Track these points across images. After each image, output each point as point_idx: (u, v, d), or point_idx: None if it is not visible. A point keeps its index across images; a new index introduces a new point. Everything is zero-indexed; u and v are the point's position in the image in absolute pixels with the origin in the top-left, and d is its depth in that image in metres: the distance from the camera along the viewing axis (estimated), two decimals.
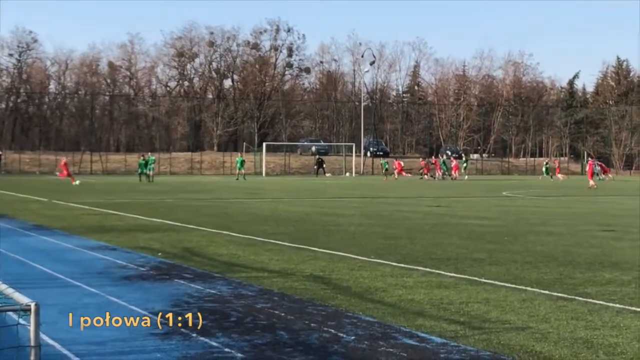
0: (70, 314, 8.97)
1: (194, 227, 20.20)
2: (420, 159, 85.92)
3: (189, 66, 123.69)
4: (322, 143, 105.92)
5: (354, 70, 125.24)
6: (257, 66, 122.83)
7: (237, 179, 68.07)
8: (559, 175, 74.53)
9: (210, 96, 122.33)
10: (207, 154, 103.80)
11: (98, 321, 8.60)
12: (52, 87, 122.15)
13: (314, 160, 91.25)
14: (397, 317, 8.85)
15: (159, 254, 14.61)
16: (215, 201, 33.32)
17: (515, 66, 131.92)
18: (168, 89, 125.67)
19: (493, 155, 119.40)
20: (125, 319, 8.71)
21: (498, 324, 8.49)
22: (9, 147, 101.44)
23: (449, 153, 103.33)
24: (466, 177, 75.62)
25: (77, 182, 51.85)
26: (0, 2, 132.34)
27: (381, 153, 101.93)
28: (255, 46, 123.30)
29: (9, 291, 5.10)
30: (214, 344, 7.63)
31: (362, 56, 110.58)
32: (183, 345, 7.56)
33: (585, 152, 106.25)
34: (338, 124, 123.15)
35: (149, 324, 8.48)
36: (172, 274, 12.12)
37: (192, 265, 13.06)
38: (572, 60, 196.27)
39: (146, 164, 61.23)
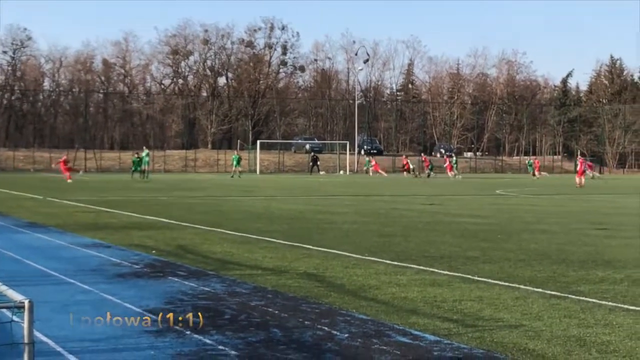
0: (64, 311, 8.98)
1: (188, 224, 20.20)
2: (403, 156, 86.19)
3: (183, 64, 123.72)
4: (316, 141, 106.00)
5: (348, 68, 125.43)
6: (251, 64, 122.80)
7: (232, 177, 68.04)
8: (537, 173, 74.78)
9: (204, 94, 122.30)
10: (201, 151, 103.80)
11: (92, 318, 8.60)
12: (47, 84, 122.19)
13: (308, 158, 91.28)
14: (390, 314, 8.87)
15: (153, 251, 14.61)
16: (209, 199, 33.31)
17: (509, 65, 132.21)
18: (162, 86, 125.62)
19: (487, 153, 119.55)
20: (119, 316, 8.71)
21: (491, 322, 8.51)
22: (3, 144, 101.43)
23: (443, 151, 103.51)
24: (458, 176, 75.69)
25: (70, 181, 51.81)
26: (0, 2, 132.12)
27: (375, 151, 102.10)
28: (250, 44, 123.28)
29: (3, 288, 5.10)
30: (208, 341, 7.64)
31: (356, 54, 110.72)
32: (177, 343, 7.57)
33: (579, 151, 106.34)
34: (332, 122, 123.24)
35: (144, 323, 8.48)
36: (166, 272, 12.12)
37: (186, 263, 13.07)
38: (565, 59, 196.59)
39: (140, 161, 61.11)
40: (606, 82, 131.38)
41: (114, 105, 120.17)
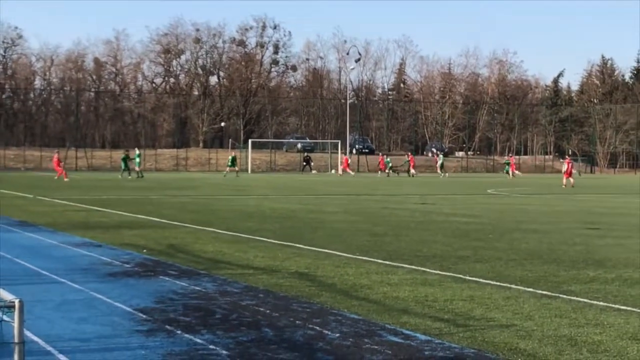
0: (55, 311, 8.96)
1: (179, 223, 20.17)
2: (380, 154, 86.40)
3: (174, 63, 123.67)
4: (308, 140, 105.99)
5: (340, 68, 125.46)
6: (243, 63, 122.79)
7: (225, 176, 67.90)
8: (512, 172, 75.04)
9: (196, 93, 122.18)
10: (192, 150, 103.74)
11: (82, 318, 8.58)
12: (38, 83, 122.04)
13: (300, 157, 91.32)
14: (382, 314, 8.87)
15: (144, 250, 14.58)
16: (200, 198, 33.28)
17: (500, 64, 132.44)
18: (154, 85, 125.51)
19: (478, 153, 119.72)
20: (110, 315, 8.70)
21: (482, 322, 8.51)
22: None
23: (434, 150, 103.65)
24: (445, 175, 75.84)
25: (63, 179, 51.75)
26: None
27: (367, 150, 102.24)
28: (241, 43, 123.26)
29: None
30: (199, 340, 7.62)
31: (348, 53, 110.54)
32: (167, 342, 7.55)
33: (570, 151, 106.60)
34: (324, 121, 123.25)
35: (133, 321, 8.47)
36: (157, 271, 12.10)
37: (177, 262, 13.05)
38: (556, 59, 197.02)
39: (126, 159, 60.89)
40: (597, 82, 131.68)
41: (105, 104, 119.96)
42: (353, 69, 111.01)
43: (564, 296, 10.01)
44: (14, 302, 4.82)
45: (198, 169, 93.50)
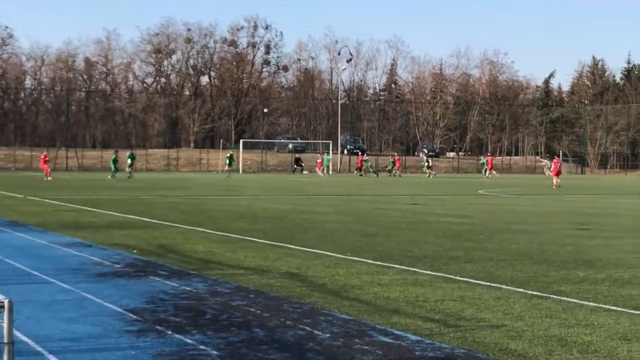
0: (44, 311, 8.93)
1: (170, 224, 20.14)
2: (359, 154, 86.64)
3: (165, 62, 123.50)
4: (299, 140, 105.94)
5: (331, 68, 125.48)
6: (234, 63, 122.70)
7: (229, 176, 68.43)
8: (488, 172, 75.22)
9: (187, 93, 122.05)
10: (183, 150, 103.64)
11: (72, 318, 8.56)
12: (28, 82, 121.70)
13: (291, 158, 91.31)
14: (372, 314, 8.87)
15: (135, 250, 14.55)
16: (191, 198, 33.24)
17: (491, 65, 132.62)
18: (145, 85, 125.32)
19: (469, 153, 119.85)
20: (100, 316, 8.68)
21: (473, 322, 8.51)
22: None
23: (425, 151, 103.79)
24: (429, 175, 76.07)
25: (49, 178, 51.72)
26: None
27: (358, 151, 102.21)
28: (233, 43, 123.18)
29: None
30: (189, 341, 7.61)
31: (339, 54, 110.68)
32: (158, 343, 7.53)
33: (561, 151, 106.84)
34: (315, 122, 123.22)
35: (123, 321, 8.45)
36: (148, 271, 12.08)
37: (167, 262, 13.03)
38: (547, 60, 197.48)
39: (116, 160, 60.84)
40: (588, 82, 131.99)
41: (96, 103, 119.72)
42: (344, 69, 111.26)
43: (555, 296, 10.03)
44: (3, 302, 4.81)
45: (189, 169, 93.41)
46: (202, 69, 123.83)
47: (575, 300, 9.77)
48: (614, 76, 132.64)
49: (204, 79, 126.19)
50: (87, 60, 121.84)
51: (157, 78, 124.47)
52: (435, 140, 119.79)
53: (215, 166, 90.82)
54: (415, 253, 14.41)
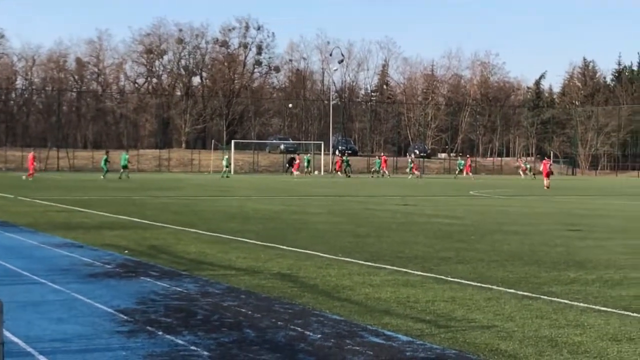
0: (35, 311, 8.91)
1: (161, 224, 20.12)
2: (337, 155, 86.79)
3: (157, 63, 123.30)
4: (291, 141, 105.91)
5: (323, 69, 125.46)
6: (225, 64, 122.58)
7: (227, 177, 68.98)
8: (464, 173, 75.32)
9: (178, 93, 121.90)
10: (175, 151, 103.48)
11: (63, 318, 8.55)
12: (19, 83, 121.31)
13: (283, 158, 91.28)
14: (363, 315, 8.87)
15: (126, 251, 14.53)
16: (183, 199, 33.21)
17: (482, 66, 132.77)
18: (136, 85, 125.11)
19: (461, 154, 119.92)
20: (91, 316, 8.67)
21: (464, 323, 8.53)
22: None
23: (417, 152, 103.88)
24: (409, 176, 76.29)
25: (29, 178, 51.68)
26: None
27: (350, 151, 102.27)
28: (224, 44, 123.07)
29: None
30: (180, 342, 7.60)
31: (331, 55, 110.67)
32: (149, 343, 7.52)
33: (552, 152, 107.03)
34: (307, 122, 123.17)
35: (114, 322, 8.44)
36: (139, 272, 12.06)
37: (158, 263, 13.01)
38: (538, 61, 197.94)
39: (106, 161, 60.80)
40: (579, 84, 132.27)
41: (87, 104, 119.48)
42: (336, 70, 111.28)
43: (545, 297, 10.05)
44: None
45: (180, 169, 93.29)
46: (194, 70, 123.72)
47: (566, 301, 9.80)
48: (604, 77, 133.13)
49: (196, 80, 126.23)
50: (78, 61, 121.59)
51: (149, 78, 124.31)
52: (426, 141, 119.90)
53: (207, 167, 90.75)
54: (406, 254, 14.42)
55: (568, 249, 15.60)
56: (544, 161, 56.58)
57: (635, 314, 9.06)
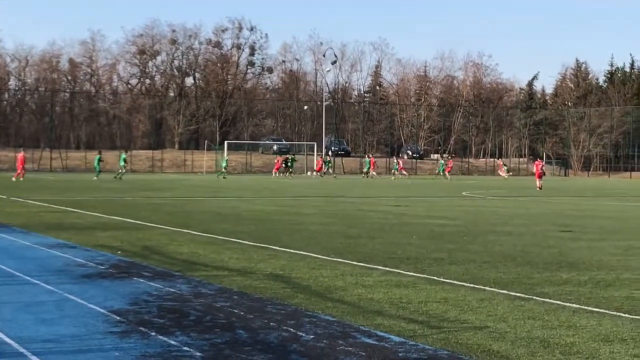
0: (28, 312, 8.91)
1: (155, 225, 20.11)
2: (319, 156, 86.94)
3: (150, 64, 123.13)
4: (284, 142, 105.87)
5: (316, 70, 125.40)
6: (219, 64, 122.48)
7: (225, 177, 69.09)
8: (446, 174, 75.37)
9: (171, 94, 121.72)
10: (168, 152, 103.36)
11: (56, 319, 8.54)
12: (12, 83, 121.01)
13: (282, 160, 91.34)
14: (356, 316, 8.88)
15: (119, 252, 14.52)
16: (176, 199, 33.18)
17: (475, 67, 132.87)
18: (129, 86, 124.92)
19: (453, 155, 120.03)
20: (84, 317, 8.66)
21: (456, 323, 8.54)
22: None
23: (410, 153, 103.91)
24: (392, 177, 76.41)
25: (14, 179, 51.59)
26: None
27: (342, 152, 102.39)
28: (218, 44, 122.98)
29: None
30: (173, 342, 7.61)
31: (324, 55, 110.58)
32: (142, 344, 7.53)
33: (545, 153, 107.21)
34: (300, 123, 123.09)
35: (107, 323, 8.44)
36: (132, 272, 12.06)
37: (151, 264, 13.01)
38: (531, 62, 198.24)
39: (99, 160, 60.74)
40: (571, 85, 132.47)
41: (80, 104, 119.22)
42: (329, 71, 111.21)
43: (537, 298, 10.07)
44: None
45: (174, 170, 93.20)
46: (187, 70, 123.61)
47: (558, 302, 9.82)
48: (597, 79, 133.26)
49: (189, 80, 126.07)
50: (71, 61, 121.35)
51: (142, 79, 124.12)
52: (419, 142, 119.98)
53: (200, 167, 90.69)
54: (399, 255, 14.43)
55: (560, 250, 15.63)
56: (536, 162, 56.61)
57: (627, 315, 9.09)
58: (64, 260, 13.43)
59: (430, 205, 31.79)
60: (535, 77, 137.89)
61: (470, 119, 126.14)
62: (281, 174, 78.09)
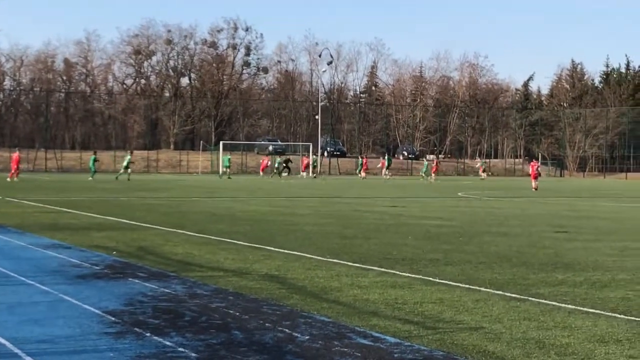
0: (22, 313, 8.89)
1: (150, 225, 20.09)
2: (304, 156, 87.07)
3: (145, 64, 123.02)
4: (280, 142, 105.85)
5: (312, 70, 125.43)
6: (214, 65, 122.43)
7: (229, 178, 68.93)
8: (431, 175, 75.42)
9: (167, 94, 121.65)
10: (163, 152, 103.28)
11: (51, 320, 8.52)
12: (7, 83, 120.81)
13: (280, 160, 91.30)
14: (351, 316, 8.88)
15: (114, 252, 14.50)
16: (171, 200, 33.16)
17: (471, 68, 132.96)
18: (124, 86, 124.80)
19: (449, 156, 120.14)
20: (78, 317, 8.64)
21: (452, 324, 8.54)
22: None
23: (405, 153, 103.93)
24: (386, 177, 76.39)
25: (9, 180, 51.52)
26: None
27: (338, 153, 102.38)
28: (213, 44, 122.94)
29: None
30: (168, 343, 7.59)
31: (320, 56, 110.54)
32: (136, 345, 7.51)
33: (540, 154, 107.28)
34: (295, 124, 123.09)
35: (102, 323, 8.42)
36: (127, 273, 12.04)
37: (146, 264, 12.99)
38: (527, 63, 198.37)
39: (95, 161, 60.70)
40: (567, 86, 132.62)
41: (76, 105, 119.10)
42: (325, 71, 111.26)
43: (533, 299, 10.07)
44: None
45: (169, 170, 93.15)
46: (182, 71, 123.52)
47: (554, 303, 9.82)
48: (592, 80, 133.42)
49: (184, 81, 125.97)
50: (66, 61, 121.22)
51: (137, 79, 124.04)
52: (415, 142, 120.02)
53: (196, 168, 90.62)
54: (394, 255, 14.43)
55: (556, 250, 15.64)
56: (532, 163, 56.66)
57: (622, 316, 9.10)
58: (59, 261, 13.40)
59: (426, 205, 31.80)
60: (530, 78, 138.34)
61: (466, 120, 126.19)
62: (278, 175, 77.80)
